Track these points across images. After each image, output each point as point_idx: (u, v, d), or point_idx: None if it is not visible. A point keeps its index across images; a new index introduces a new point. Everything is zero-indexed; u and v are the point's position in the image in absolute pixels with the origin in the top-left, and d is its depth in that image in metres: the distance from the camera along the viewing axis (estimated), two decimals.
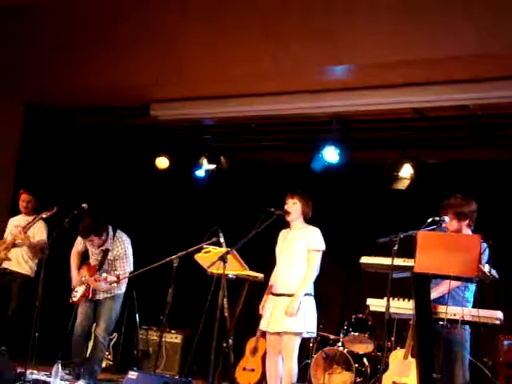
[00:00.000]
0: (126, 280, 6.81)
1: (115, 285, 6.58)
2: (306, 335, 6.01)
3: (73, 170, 8.98)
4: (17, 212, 7.74)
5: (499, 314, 4.75)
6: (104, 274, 6.56)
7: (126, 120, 8.93)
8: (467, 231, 5.22)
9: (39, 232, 7.41)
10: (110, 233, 6.76)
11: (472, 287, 5.19)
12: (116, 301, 6.80)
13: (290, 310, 5.72)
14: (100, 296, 6.70)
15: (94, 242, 6.68)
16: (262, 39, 6.51)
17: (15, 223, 7.56)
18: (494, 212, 7.61)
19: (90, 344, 7.33)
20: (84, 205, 6.68)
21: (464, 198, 5.28)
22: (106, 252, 6.73)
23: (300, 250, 5.92)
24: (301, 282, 5.83)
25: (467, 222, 5.22)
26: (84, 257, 7.02)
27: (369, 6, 5.78)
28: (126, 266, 6.74)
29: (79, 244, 6.90)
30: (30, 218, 7.46)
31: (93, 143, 9.26)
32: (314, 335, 6.42)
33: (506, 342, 6.71)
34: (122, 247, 6.75)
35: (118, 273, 6.59)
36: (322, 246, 5.94)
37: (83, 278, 6.69)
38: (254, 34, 6.43)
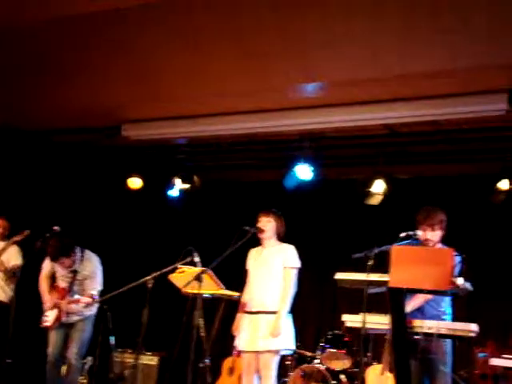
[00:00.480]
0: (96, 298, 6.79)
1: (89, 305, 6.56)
2: (283, 352, 6.02)
3: (45, 191, 8.93)
4: None
5: (474, 327, 4.79)
6: (76, 296, 6.54)
7: (98, 140, 8.91)
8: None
9: (13, 256, 7.36)
10: (78, 253, 6.74)
11: (449, 300, 5.24)
12: (87, 323, 6.78)
13: (276, 330, 5.73)
14: (73, 318, 6.66)
15: (64, 264, 6.65)
16: (234, 58, 6.54)
17: None
18: (463, 226, 7.69)
19: (65, 368, 7.26)
20: (55, 227, 6.67)
21: (436, 208, 5.37)
22: (74, 273, 6.70)
23: (276, 267, 5.95)
24: (281, 302, 5.84)
25: (443, 232, 5.32)
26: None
27: (340, 24, 5.83)
28: (96, 285, 6.73)
29: (46, 267, 6.88)
30: (3, 243, 7.40)
31: (64, 164, 9.22)
32: (291, 352, 6.43)
33: (480, 355, 6.77)
34: (91, 267, 6.76)
35: (90, 292, 6.57)
36: (298, 264, 5.98)
37: (54, 302, 6.65)
38: (227, 53, 6.46)
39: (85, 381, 8.36)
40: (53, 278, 6.90)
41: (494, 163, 7.81)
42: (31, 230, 7.27)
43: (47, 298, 6.75)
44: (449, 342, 5.15)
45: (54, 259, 6.62)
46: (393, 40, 5.95)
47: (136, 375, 8.16)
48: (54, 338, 6.70)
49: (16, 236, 7.32)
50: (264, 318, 5.83)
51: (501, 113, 6.60)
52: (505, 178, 7.57)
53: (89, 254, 6.83)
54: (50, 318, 6.62)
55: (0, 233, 7.52)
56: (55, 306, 6.64)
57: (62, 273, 6.79)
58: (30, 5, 5.91)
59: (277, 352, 5.83)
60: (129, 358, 8.58)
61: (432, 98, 6.80)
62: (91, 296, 6.51)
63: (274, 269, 5.96)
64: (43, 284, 6.84)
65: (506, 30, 5.56)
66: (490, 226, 8.17)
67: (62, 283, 6.76)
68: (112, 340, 8.44)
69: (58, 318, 6.61)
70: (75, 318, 6.67)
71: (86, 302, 6.49)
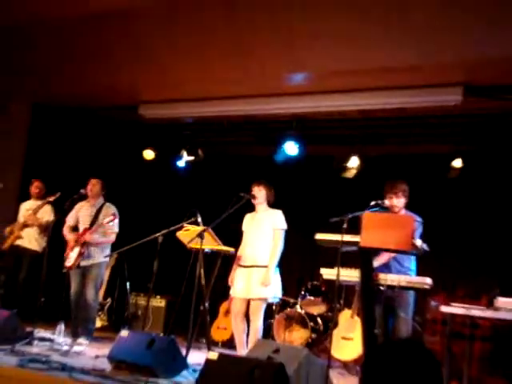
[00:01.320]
0: (109, 251, 6.83)
1: (112, 223, 6.65)
2: (271, 300, 6.06)
3: (74, 159, 8.91)
4: (24, 197, 7.68)
5: (428, 280, 4.83)
6: (103, 219, 6.67)
7: (118, 117, 8.90)
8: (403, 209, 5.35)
9: (46, 214, 7.38)
10: (102, 198, 6.94)
11: (413, 257, 5.28)
12: (101, 268, 6.77)
13: (267, 281, 5.77)
14: (92, 258, 6.65)
15: (94, 187, 6.87)
16: (234, 51, 6.51)
17: (27, 207, 7.53)
18: (423, 196, 7.70)
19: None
20: (82, 190, 6.76)
21: (400, 180, 5.40)
22: (97, 212, 6.77)
23: (267, 229, 5.98)
24: (271, 257, 5.87)
25: (406, 200, 5.35)
26: None
27: (324, 23, 5.80)
28: (115, 226, 6.77)
29: (71, 218, 6.90)
30: (39, 202, 7.43)
31: (90, 138, 9.20)
32: (278, 300, 6.47)
33: (432, 303, 6.84)
34: (111, 209, 6.83)
35: (112, 211, 6.71)
36: (285, 226, 6.01)
37: (78, 239, 6.67)
38: (228, 49, 6.44)
39: (105, 318, 8.44)
40: (75, 229, 6.92)
41: (450, 145, 7.83)
42: (62, 192, 7.26)
43: (71, 236, 6.74)
44: (412, 294, 5.20)
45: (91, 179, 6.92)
46: (369, 39, 5.94)
47: (147, 315, 8.23)
48: (74, 281, 6.70)
49: (50, 196, 7.34)
50: (256, 271, 5.87)
51: (456, 103, 6.61)
52: (458, 157, 7.59)
53: (109, 203, 6.95)
54: (71, 258, 6.60)
55: (36, 193, 7.55)
56: (78, 243, 6.65)
57: (85, 214, 6.83)
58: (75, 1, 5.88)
59: (266, 299, 5.88)
60: (141, 301, 8.64)
61: (399, 89, 6.81)
62: (113, 214, 6.63)
63: (265, 230, 5.98)
64: (65, 231, 6.86)
65: (464, 32, 5.55)
66: (446, 198, 8.20)
67: (84, 226, 6.80)
68: (128, 285, 8.50)
69: (80, 255, 6.59)
70: (93, 261, 6.67)
71: (109, 220, 6.58)
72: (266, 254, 5.91)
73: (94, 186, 6.91)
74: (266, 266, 5.85)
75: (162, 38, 6.43)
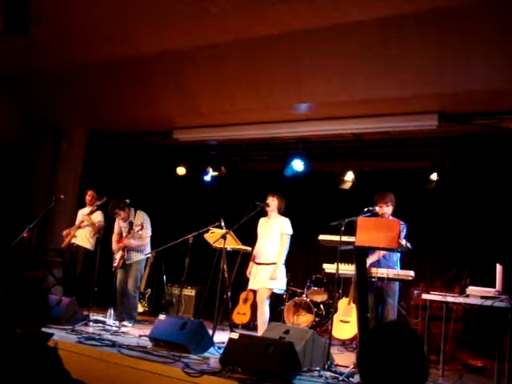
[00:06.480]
0: (147, 249, 6.80)
1: (140, 233, 6.61)
2: (276, 291, 6.05)
3: (121, 176, 8.99)
4: (82, 205, 7.73)
5: (411, 273, 4.84)
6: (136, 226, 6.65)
7: (157, 141, 8.97)
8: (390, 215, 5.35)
9: (97, 216, 7.40)
10: (132, 211, 6.78)
11: (398, 255, 5.28)
12: (140, 265, 6.75)
13: (274, 275, 5.74)
14: (131, 258, 6.68)
15: (121, 216, 6.69)
16: (251, 87, 6.58)
17: (83, 212, 7.57)
18: (407, 204, 7.66)
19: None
20: (127, 200, 6.73)
21: (388, 191, 5.41)
22: (131, 223, 6.76)
23: (276, 233, 5.92)
24: (278, 257, 5.83)
25: (394, 207, 5.36)
26: None
27: (324, 66, 5.84)
28: (147, 230, 6.74)
29: (116, 227, 6.94)
30: (91, 208, 7.47)
31: (134, 157, 9.29)
32: (283, 291, 6.43)
33: (415, 292, 6.82)
34: (141, 218, 6.74)
35: (140, 221, 6.64)
36: (291, 231, 5.95)
37: (119, 246, 6.72)
38: (246, 83, 6.50)
39: (146, 305, 8.48)
40: (121, 235, 6.96)
41: (428, 162, 7.81)
42: (109, 199, 7.24)
43: (115, 246, 6.80)
44: (397, 284, 5.20)
45: (112, 212, 6.66)
46: (360, 77, 5.97)
47: (180, 302, 8.25)
48: (119, 275, 6.72)
49: (98, 201, 7.38)
50: (265, 267, 5.85)
51: (432, 127, 6.61)
52: (434, 171, 7.58)
53: (140, 211, 6.84)
54: (117, 259, 6.68)
55: (89, 200, 7.55)
56: (120, 249, 6.70)
57: (123, 226, 6.82)
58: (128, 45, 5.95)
59: (271, 289, 5.84)
60: (175, 290, 8.61)
61: (385, 116, 6.80)
62: (141, 223, 6.59)
63: (274, 234, 5.92)
64: (113, 237, 6.90)
65: (438, 69, 5.57)
66: (425, 204, 8.17)
67: (124, 234, 6.84)
68: (164, 278, 8.54)
69: (122, 257, 6.61)
70: (133, 260, 6.68)
71: (138, 229, 6.52)
72: (273, 254, 5.86)
73: (123, 211, 6.74)
74: (273, 263, 5.82)
75: (192, 76, 6.51)
